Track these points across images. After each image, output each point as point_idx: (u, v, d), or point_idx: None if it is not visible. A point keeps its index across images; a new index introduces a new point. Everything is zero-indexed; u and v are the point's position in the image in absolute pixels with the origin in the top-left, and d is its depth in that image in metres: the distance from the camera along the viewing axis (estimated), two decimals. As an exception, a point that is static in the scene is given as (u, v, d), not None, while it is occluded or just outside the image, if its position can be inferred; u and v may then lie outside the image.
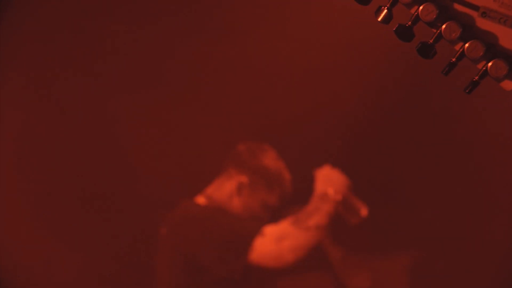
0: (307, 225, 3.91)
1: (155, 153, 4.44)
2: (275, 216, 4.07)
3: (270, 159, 4.13)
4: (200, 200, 4.10)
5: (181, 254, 3.95)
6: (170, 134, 4.46)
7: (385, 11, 1.68)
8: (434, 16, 1.66)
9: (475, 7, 1.66)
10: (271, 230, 3.90)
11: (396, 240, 4.33)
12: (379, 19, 1.70)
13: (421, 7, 1.65)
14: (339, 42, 4.29)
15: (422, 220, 4.30)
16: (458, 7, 1.66)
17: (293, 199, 4.20)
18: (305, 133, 4.40)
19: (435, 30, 1.66)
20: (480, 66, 1.69)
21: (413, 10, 1.66)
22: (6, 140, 4.45)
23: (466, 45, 1.68)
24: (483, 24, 1.67)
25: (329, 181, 4.04)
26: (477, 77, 1.69)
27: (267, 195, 4.08)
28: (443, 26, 1.66)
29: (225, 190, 4.09)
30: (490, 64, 1.69)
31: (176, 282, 4.02)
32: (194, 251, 3.90)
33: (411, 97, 4.35)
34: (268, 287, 4.34)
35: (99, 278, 4.38)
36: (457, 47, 1.69)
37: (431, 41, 1.67)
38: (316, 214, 3.94)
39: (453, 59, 1.69)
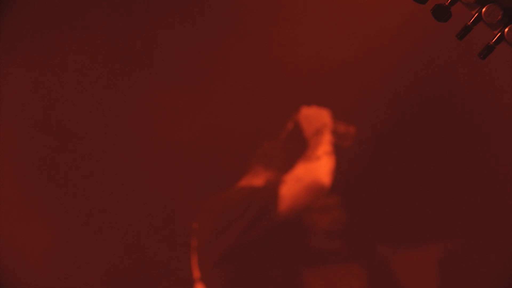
0: (317, 155, 3.93)
1: (181, 153, 4.44)
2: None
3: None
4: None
5: (211, 246, 3.95)
6: (195, 133, 4.45)
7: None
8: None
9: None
10: (289, 176, 3.88)
11: (425, 232, 4.29)
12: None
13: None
14: (357, 36, 4.26)
15: (451, 211, 4.25)
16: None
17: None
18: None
19: (451, -8, 1.62)
20: (496, 31, 1.65)
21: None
22: (12, 138, 4.47)
23: (484, 9, 1.63)
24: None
25: (312, 119, 4.12)
26: (492, 41, 1.65)
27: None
28: (460, -12, 1.63)
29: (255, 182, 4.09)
30: (507, 29, 1.64)
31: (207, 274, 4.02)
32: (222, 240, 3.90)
33: (429, 90, 4.31)
34: (295, 278, 4.33)
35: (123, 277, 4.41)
36: (474, 11, 1.64)
37: (447, 3, 1.62)
38: (319, 145, 3.97)
39: (469, 23, 1.64)
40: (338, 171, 4.30)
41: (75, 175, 4.46)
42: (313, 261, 4.38)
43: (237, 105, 4.40)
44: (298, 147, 4.16)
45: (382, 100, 4.28)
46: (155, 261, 4.44)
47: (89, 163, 4.45)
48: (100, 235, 4.40)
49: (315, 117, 4.16)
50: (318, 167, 3.99)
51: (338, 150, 4.30)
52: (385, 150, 4.33)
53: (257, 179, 4.09)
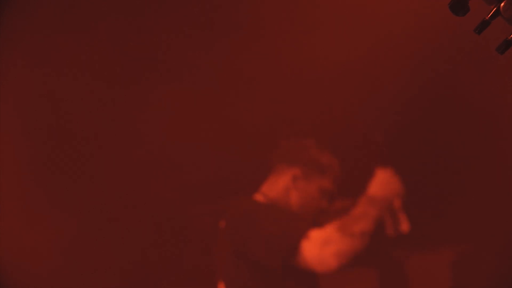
0: (352, 231, 3.84)
1: (202, 154, 4.47)
2: (322, 217, 4.05)
3: (316, 151, 4.12)
4: (257, 197, 4.09)
5: (233, 247, 3.95)
6: (215, 134, 4.46)
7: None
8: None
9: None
10: (316, 234, 3.83)
11: (438, 235, 4.29)
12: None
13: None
14: (368, 39, 4.27)
15: (464, 214, 4.25)
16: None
17: (340, 195, 4.17)
18: (345, 129, 4.38)
19: (470, -13, 1.63)
20: None
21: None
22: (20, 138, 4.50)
23: (502, 4, 1.64)
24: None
25: (385, 185, 3.94)
26: (488, 17, 1.65)
27: (322, 181, 4.05)
28: (479, -17, 1.64)
29: (280, 184, 4.07)
30: (502, 3, 1.63)
31: (228, 272, 4.02)
32: (245, 245, 3.90)
33: (442, 92, 4.32)
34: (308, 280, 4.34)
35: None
36: (492, 5, 1.65)
37: (464, -3, 1.64)
38: (363, 220, 3.86)
39: (487, 17, 1.65)
40: (352, 172, 4.33)
41: (83, 175, 4.50)
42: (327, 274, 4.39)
43: (249, 106, 4.42)
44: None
45: (393, 103, 4.29)
46: (169, 261, 4.46)
47: (97, 163, 4.50)
48: (111, 241, 4.45)
49: (389, 186, 4.00)
50: (343, 244, 3.85)
51: (349, 148, 4.32)
52: (397, 153, 4.33)
53: (277, 179, 4.07)
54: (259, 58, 4.39)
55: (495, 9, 1.63)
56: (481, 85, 4.21)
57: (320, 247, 3.81)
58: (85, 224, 4.44)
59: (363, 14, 4.24)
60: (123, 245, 4.45)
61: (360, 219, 3.86)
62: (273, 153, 4.12)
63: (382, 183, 3.92)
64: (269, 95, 4.39)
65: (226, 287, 3.96)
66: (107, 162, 4.49)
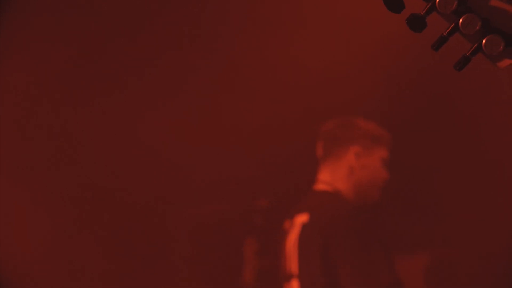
0: None
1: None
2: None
3: (362, 124, 4.07)
4: (321, 186, 4.04)
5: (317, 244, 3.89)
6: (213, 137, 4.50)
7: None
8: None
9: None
10: None
11: (414, 239, 4.30)
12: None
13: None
14: (357, 43, 4.28)
15: (440, 219, 4.27)
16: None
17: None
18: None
19: (427, 3, 1.61)
20: (472, 42, 1.64)
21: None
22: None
23: (461, 19, 1.63)
24: (479, -1, 1.62)
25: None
26: (469, 52, 1.63)
27: (380, 151, 4.01)
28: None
29: (342, 167, 4.00)
30: (485, 40, 1.63)
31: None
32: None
33: (428, 95, 4.33)
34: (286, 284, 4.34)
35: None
36: (450, 21, 1.64)
37: (422, 13, 1.62)
38: None
39: (445, 33, 1.64)
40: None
41: (81, 175, 4.52)
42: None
43: (248, 106, 4.45)
44: None
45: (380, 107, 4.30)
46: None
47: (95, 164, 4.51)
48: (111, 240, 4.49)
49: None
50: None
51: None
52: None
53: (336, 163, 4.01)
54: (257, 60, 4.43)
55: (476, 44, 1.60)
56: (468, 90, 4.22)
57: None
58: (82, 224, 4.49)
59: (355, 17, 4.26)
60: (126, 246, 4.50)
61: None
62: (320, 139, 4.05)
63: None
64: (267, 94, 4.40)
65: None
66: (106, 162, 4.50)
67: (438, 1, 1.62)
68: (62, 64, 4.48)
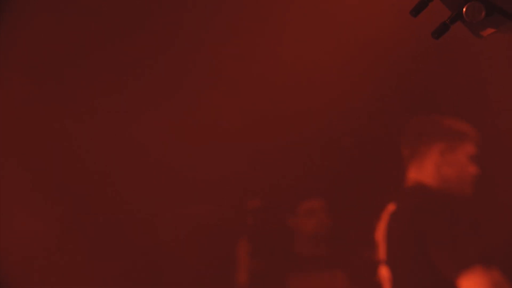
0: None
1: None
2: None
3: (446, 121, 4.06)
4: (408, 183, 4.03)
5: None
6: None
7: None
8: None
9: None
10: None
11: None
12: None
13: None
14: (342, 40, 4.29)
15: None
16: None
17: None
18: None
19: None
20: (452, 10, 1.61)
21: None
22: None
23: (465, 7, 1.57)
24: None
25: None
26: (448, 20, 1.60)
27: (466, 147, 3.99)
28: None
29: (429, 165, 3.97)
30: (466, 7, 1.60)
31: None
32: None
33: (412, 92, 4.34)
34: (278, 284, 4.33)
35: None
36: (453, 9, 1.59)
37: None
38: None
39: (447, 21, 1.59)
40: (323, 175, 4.33)
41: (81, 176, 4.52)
42: (297, 267, 4.39)
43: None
44: None
45: (363, 104, 4.30)
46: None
47: (94, 164, 4.50)
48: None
49: None
50: None
51: (323, 155, 4.33)
52: (368, 155, 4.35)
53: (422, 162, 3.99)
54: (247, 60, 4.42)
55: (456, 12, 1.58)
56: (454, 86, 4.23)
57: None
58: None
59: (341, 16, 4.26)
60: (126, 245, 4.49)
61: None
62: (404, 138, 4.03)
63: None
64: (258, 94, 4.41)
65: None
66: (101, 162, 4.50)
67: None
68: (60, 64, 4.48)
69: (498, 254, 3.61)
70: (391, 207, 3.81)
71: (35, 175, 4.47)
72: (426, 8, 1.59)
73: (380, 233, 3.83)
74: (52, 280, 4.41)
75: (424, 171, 3.85)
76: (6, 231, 4.35)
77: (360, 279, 4.34)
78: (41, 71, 4.48)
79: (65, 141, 4.51)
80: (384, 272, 3.81)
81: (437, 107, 4.31)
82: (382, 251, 3.83)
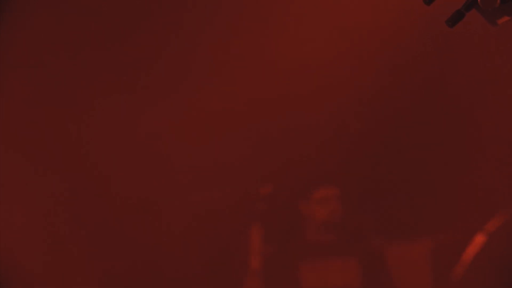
0: None
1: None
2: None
3: None
4: None
5: None
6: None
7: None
8: None
9: None
10: None
11: (419, 224, 4.31)
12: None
13: None
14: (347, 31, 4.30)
15: (445, 204, 4.27)
16: None
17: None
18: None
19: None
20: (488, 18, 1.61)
21: None
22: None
23: None
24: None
25: None
26: (463, 8, 1.61)
27: None
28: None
29: None
30: None
31: None
32: None
33: (419, 82, 4.34)
34: (290, 270, 4.36)
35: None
36: None
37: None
38: None
39: (462, 9, 1.60)
40: (336, 164, 4.35)
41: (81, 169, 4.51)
42: (308, 254, 4.41)
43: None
44: None
45: (374, 92, 4.31)
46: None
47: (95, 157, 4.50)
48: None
49: None
50: None
51: (337, 143, 4.35)
52: (379, 142, 4.36)
53: None
54: (242, 52, 4.42)
55: (471, 0, 1.60)
56: (460, 76, 4.23)
57: None
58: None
59: (340, 7, 4.27)
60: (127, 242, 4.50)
61: None
62: None
63: None
64: (261, 82, 4.41)
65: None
66: (103, 157, 4.48)
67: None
68: (60, 63, 4.48)
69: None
70: None
71: (35, 175, 4.46)
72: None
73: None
74: (54, 273, 4.41)
75: None
76: (6, 231, 4.34)
77: (371, 266, 4.37)
78: (41, 71, 4.49)
79: (65, 140, 4.51)
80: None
81: (448, 96, 4.33)
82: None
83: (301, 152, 4.44)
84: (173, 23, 4.49)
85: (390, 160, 4.32)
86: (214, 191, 4.52)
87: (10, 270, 4.33)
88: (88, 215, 4.48)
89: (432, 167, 4.33)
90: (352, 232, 4.43)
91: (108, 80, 4.48)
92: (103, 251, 4.45)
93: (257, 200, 4.49)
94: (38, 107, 4.50)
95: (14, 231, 4.35)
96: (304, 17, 4.35)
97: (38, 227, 4.40)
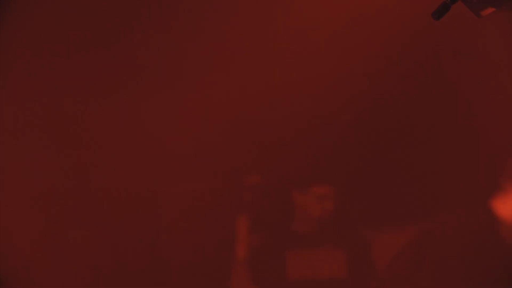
0: None
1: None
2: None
3: None
4: None
5: None
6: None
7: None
8: None
9: None
10: None
11: (403, 213, 4.33)
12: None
13: None
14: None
15: (429, 191, 4.30)
16: None
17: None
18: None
19: None
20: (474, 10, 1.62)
21: None
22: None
23: None
24: None
25: None
26: (449, 0, 1.63)
27: None
28: None
29: None
30: None
31: None
32: None
33: (412, 72, 4.36)
34: (277, 260, 4.38)
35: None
36: None
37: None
38: None
39: (447, 1, 1.62)
40: (325, 154, 4.36)
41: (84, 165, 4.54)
42: (295, 244, 4.43)
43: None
44: None
45: (363, 83, 4.33)
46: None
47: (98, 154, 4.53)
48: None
49: None
50: None
51: (325, 132, 4.36)
52: (365, 132, 4.37)
53: None
54: (239, 45, 4.44)
55: None
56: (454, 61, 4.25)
57: None
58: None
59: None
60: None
61: None
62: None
63: None
64: (259, 73, 4.43)
65: None
66: (100, 154, 4.53)
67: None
68: (60, 63, 4.51)
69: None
70: None
71: (36, 175, 4.49)
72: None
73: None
74: (53, 269, 4.47)
75: None
76: (6, 231, 4.38)
77: (358, 258, 4.39)
78: (42, 71, 4.51)
79: (65, 140, 4.53)
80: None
81: (439, 84, 4.35)
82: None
83: (291, 142, 4.46)
84: (171, 17, 4.52)
85: (378, 150, 4.33)
86: (201, 182, 4.53)
87: (6, 266, 4.38)
88: (84, 211, 4.51)
89: (422, 157, 4.35)
90: (339, 223, 4.45)
91: (106, 77, 4.52)
92: (96, 241, 4.48)
93: (244, 190, 4.50)
94: (38, 106, 4.53)
95: (13, 231, 4.38)
96: (299, 7, 4.36)
97: (38, 226, 4.45)
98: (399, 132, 4.37)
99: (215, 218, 4.51)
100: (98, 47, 4.48)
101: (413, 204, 4.31)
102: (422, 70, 4.37)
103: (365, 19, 4.26)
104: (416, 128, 4.38)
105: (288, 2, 4.38)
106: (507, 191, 4.12)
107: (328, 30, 4.32)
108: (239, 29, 4.42)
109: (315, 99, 4.40)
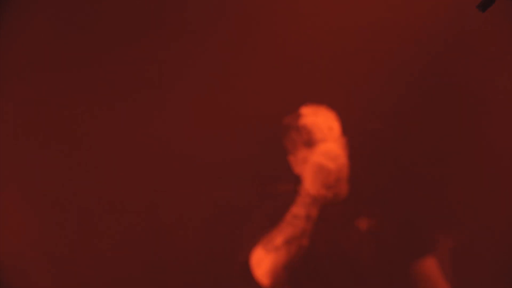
0: (274, 245, 3.72)
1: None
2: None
3: None
4: None
5: None
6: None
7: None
8: None
9: None
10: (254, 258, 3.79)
11: (437, 222, 4.17)
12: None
13: None
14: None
15: (461, 202, 4.23)
16: None
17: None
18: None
19: None
20: None
21: None
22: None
23: None
24: None
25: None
26: None
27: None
28: None
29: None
30: None
31: None
32: None
33: (434, 81, 4.41)
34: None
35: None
36: None
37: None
38: (286, 229, 3.73)
39: None
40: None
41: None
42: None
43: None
44: None
45: (384, 93, 4.36)
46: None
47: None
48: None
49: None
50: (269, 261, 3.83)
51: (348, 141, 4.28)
52: (394, 137, 4.34)
53: None
54: (252, 49, 4.46)
55: None
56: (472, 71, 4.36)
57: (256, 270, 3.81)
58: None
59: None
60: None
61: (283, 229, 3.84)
62: None
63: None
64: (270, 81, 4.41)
65: None
66: (106, 159, 4.48)
67: None
68: (61, 64, 4.50)
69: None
70: None
71: (36, 176, 4.44)
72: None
73: None
74: (53, 270, 4.38)
75: None
76: (6, 231, 4.32)
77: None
78: (42, 71, 4.49)
79: (65, 141, 4.48)
80: None
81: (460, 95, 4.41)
82: None
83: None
84: (180, 21, 4.53)
85: (404, 158, 4.29)
86: (218, 190, 4.46)
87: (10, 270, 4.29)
88: (90, 218, 4.45)
89: (448, 165, 4.32)
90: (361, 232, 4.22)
91: (112, 81, 4.50)
92: (104, 245, 4.42)
93: (262, 199, 4.30)
94: (39, 108, 4.48)
95: (13, 234, 4.33)
96: (315, 11, 4.48)
97: (39, 230, 4.38)
98: (431, 138, 4.35)
99: (232, 226, 4.33)
100: (101, 49, 4.48)
101: (446, 213, 4.20)
102: (446, 78, 4.44)
103: (371, 24, 4.37)
104: (449, 135, 4.37)
105: (294, 6, 4.49)
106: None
107: (341, 39, 4.41)
108: (249, 32, 4.44)
109: (335, 108, 4.37)
